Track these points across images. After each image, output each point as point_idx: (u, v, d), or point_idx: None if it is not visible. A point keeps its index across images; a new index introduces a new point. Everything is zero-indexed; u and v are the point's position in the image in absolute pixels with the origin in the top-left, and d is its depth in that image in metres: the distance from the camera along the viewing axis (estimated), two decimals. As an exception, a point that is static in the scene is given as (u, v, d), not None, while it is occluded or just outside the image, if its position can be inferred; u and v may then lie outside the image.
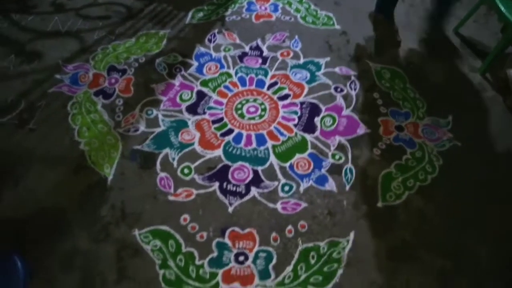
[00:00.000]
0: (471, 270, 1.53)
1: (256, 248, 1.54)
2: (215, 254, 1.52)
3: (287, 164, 1.75)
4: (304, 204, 1.65)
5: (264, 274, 1.48)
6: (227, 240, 1.55)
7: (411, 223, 1.62)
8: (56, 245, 1.54)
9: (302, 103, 1.95)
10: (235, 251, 1.53)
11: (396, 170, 1.75)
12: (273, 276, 1.48)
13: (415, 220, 1.63)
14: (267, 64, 2.10)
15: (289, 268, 1.50)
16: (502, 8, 1.93)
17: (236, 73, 2.06)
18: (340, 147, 1.81)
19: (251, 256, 1.52)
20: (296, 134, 1.85)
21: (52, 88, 2.00)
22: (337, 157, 1.78)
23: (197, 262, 1.50)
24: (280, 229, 1.59)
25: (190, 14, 2.39)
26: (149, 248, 1.53)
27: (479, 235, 1.60)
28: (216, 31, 2.28)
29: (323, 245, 1.55)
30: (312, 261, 1.51)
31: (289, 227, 1.59)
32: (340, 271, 1.50)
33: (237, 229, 1.58)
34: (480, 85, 2.09)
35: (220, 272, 1.48)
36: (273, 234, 1.57)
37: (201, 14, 2.38)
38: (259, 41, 2.21)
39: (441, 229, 1.62)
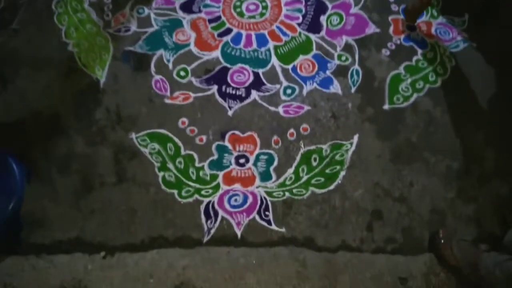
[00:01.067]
0: (476, 172, 1.50)
1: (257, 151, 1.50)
2: (215, 156, 1.48)
3: (289, 66, 1.65)
4: (307, 107, 1.58)
5: (265, 176, 1.46)
6: (227, 143, 1.50)
7: (418, 126, 1.57)
8: (52, 149, 1.50)
9: (307, 0, 1.79)
10: (235, 153, 1.49)
11: (406, 72, 1.65)
12: (274, 177, 1.46)
13: (422, 122, 1.57)
14: (269, -44, 1.89)
15: (291, 170, 1.47)
16: None
17: (234, -33, 1.86)
18: (347, 48, 1.69)
19: (252, 158, 1.48)
20: (300, 34, 1.71)
21: (33, -16, 1.82)
22: (343, 58, 1.67)
23: (197, 165, 1.47)
24: (281, 132, 1.53)
25: None
26: (147, 151, 1.49)
27: (487, 138, 1.55)
28: None
29: (326, 147, 1.51)
30: (314, 163, 1.48)
31: (291, 130, 1.53)
32: (342, 173, 1.48)
33: (237, 132, 1.52)
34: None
35: (221, 174, 1.46)
36: (275, 137, 1.52)
37: None
38: None
39: (448, 132, 1.56)
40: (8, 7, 1.77)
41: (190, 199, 1.42)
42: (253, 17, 1.74)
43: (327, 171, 1.47)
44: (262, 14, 1.75)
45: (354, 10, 1.77)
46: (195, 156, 1.48)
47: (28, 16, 1.75)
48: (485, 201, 1.47)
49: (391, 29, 1.74)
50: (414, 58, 1.68)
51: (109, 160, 1.48)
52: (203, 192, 1.43)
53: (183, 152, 1.49)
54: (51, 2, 1.77)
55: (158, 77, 1.61)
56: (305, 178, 1.46)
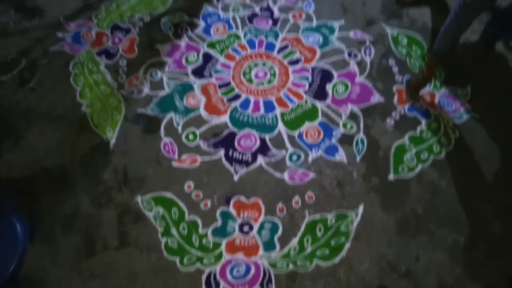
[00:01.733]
0: (485, 245, 1.48)
1: (261, 218, 1.49)
2: (219, 223, 1.48)
3: (296, 133, 1.68)
4: (312, 175, 1.59)
5: (269, 245, 1.44)
6: (231, 209, 1.50)
7: (424, 197, 1.56)
8: (58, 207, 1.51)
9: (313, 69, 1.85)
10: (239, 220, 1.49)
11: (410, 142, 1.67)
12: (278, 247, 1.44)
13: (428, 194, 1.57)
14: (278, 26, 1.99)
15: (295, 240, 1.46)
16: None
17: (245, 35, 1.95)
18: (352, 116, 1.73)
19: (256, 226, 1.48)
20: (306, 101, 1.76)
21: (53, 46, 1.92)
22: (348, 126, 1.70)
23: (201, 231, 1.46)
24: (286, 199, 1.53)
25: (198, -29, 2.25)
26: (151, 215, 1.49)
27: (494, 209, 1.54)
28: (225, -11, 2.15)
29: (331, 217, 1.50)
30: (319, 234, 1.47)
31: (296, 197, 1.54)
32: (348, 245, 1.46)
33: (242, 198, 1.53)
34: (501, 55, 1.97)
35: (224, 241, 1.45)
36: (279, 205, 1.52)
37: (209, -29, 2.25)
38: (270, 2, 2.08)
39: (454, 203, 1.55)
40: (28, 66, 1.86)
41: (192, 268, 1.40)
42: (262, 83, 1.80)
43: (332, 242, 1.45)
44: (270, 81, 1.81)
45: (359, 79, 1.83)
46: (199, 222, 1.48)
47: (45, 76, 1.82)
48: (493, 278, 1.44)
49: (395, 99, 1.78)
50: (418, 128, 1.71)
51: (113, 222, 1.48)
52: (205, 261, 1.41)
53: (187, 217, 1.48)
54: (68, 63, 1.85)
55: (167, 139, 1.65)
56: (309, 249, 1.44)
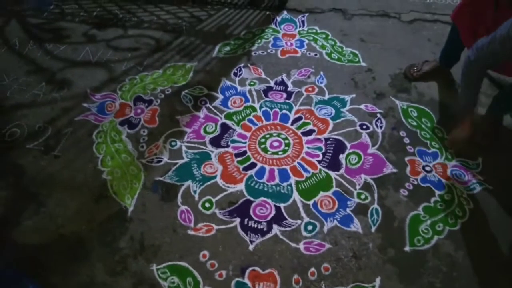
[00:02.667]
0: (507, 325, 1.43)
1: (277, 290, 1.47)
2: (234, 294, 1.46)
3: (310, 202, 1.70)
4: (328, 245, 1.59)
5: (285, 319, 1.41)
6: (246, 280, 1.49)
7: (441, 270, 1.54)
8: (72, 275, 1.51)
9: (326, 139, 1.92)
10: (255, 292, 1.47)
11: (425, 213, 1.68)
12: (294, 321, 1.41)
13: (444, 266, 1.55)
14: (292, 99, 2.10)
15: (312, 314, 1.43)
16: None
17: (260, 107, 2.05)
18: (366, 186, 1.76)
19: (271, 298, 1.46)
20: (320, 170, 1.81)
21: (79, 116, 2.03)
22: (362, 196, 1.72)
23: (216, 302, 1.44)
24: (302, 271, 1.52)
25: (217, 48, 2.42)
26: (166, 284, 1.48)
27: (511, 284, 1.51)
28: (242, 65, 2.30)
29: (348, 289, 1.48)
30: (336, 307, 1.44)
31: (312, 269, 1.53)
32: (366, 320, 1.42)
33: (257, 268, 1.52)
34: (511, 125, 2.03)
35: (239, 314, 1.42)
36: (295, 276, 1.51)
37: (227, 48, 2.42)
38: (284, 76, 2.21)
39: (472, 277, 1.52)
40: (53, 135, 1.95)
41: None
42: (276, 153, 1.87)
43: (350, 316, 1.42)
44: (284, 151, 1.87)
45: (371, 150, 1.89)
46: (214, 292, 1.46)
47: (70, 144, 1.91)
48: None
49: (408, 169, 1.82)
50: (432, 199, 1.72)
51: (128, 292, 1.47)
52: (220, 335, 1.38)
53: (202, 287, 1.47)
54: (92, 132, 1.95)
55: (184, 207, 1.68)
56: (326, 323, 1.40)
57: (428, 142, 1.93)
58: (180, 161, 1.84)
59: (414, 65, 2.22)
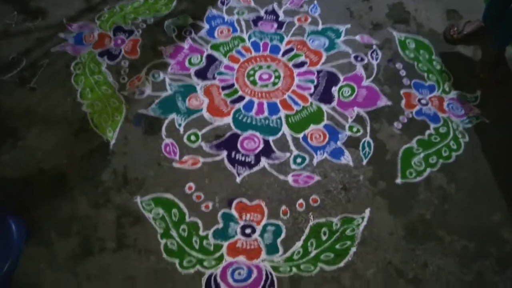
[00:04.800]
0: (495, 254, 1.42)
1: (264, 221, 1.44)
2: (220, 225, 1.43)
3: (300, 135, 1.64)
4: (317, 178, 1.54)
5: (272, 249, 1.39)
6: (233, 212, 1.46)
7: (432, 202, 1.51)
8: (55, 209, 1.47)
9: (319, 72, 1.82)
10: (241, 223, 1.44)
11: (418, 146, 1.63)
12: (281, 251, 1.39)
13: (436, 199, 1.52)
14: (283, 29, 1.97)
15: (299, 244, 1.40)
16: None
17: (249, 38, 1.93)
18: (359, 120, 1.69)
19: (258, 229, 1.43)
20: (311, 104, 1.72)
21: (55, 47, 1.90)
22: (354, 129, 1.66)
23: (201, 233, 1.41)
24: (290, 203, 1.49)
25: (203, -26, 2.24)
26: (151, 216, 1.44)
27: (504, 217, 1.49)
28: (230, -7, 2.14)
29: (336, 221, 1.45)
30: (324, 238, 1.42)
31: (300, 200, 1.49)
32: (353, 249, 1.40)
33: (244, 200, 1.48)
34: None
35: (225, 244, 1.40)
36: (283, 207, 1.47)
37: (214, -24, 2.24)
38: (275, 5, 2.06)
39: (464, 210, 1.50)
40: (28, 66, 1.83)
41: (192, 270, 1.35)
42: (266, 86, 1.77)
43: (337, 246, 1.40)
44: (274, 83, 1.78)
45: (365, 82, 1.80)
46: (200, 223, 1.43)
47: (46, 76, 1.80)
48: (505, 286, 1.37)
49: (403, 102, 1.74)
50: (427, 133, 1.66)
51: (111, 224, 1.44)
52: (205, 263, 1.36)
53: (187, 219, 1.44)
54: (70, 64, 1.83)
55: (168, 140, 1.61)
56: (313, 253, 1.38)
57: (425, 74, 1.84)
58: (164, 94, 1.74)
59: (455, 25, 1.96)
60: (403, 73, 1.84)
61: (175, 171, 1.55)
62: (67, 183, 1.53)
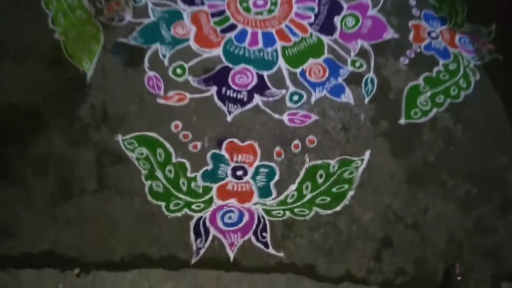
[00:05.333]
0: (498, 199, 1.36)
1: (256, 163, 1.34)
2: (209, 166, 1.33)
3: (298, 70, 1.49)
4: (314, 117, 1.42)
5: (265, 192, 1.31)
6: (224, 152, 1.35)
7: (437, 144, 1.42)
8: (29, 147, 1.34)
9: (320, -2, 1.63)
10: (232, 164, 1.34)
11: (425, 84, 1.50)
12: (274, 194, 1.31)
13: (441, 141, 1.42)
14: None
15: (293, 187, 1.32)
16: None
17: (243, -42, 1.70)
18: (362, 53, 1.53)
19: (250, 171, 1.33)
20: (311, 34, 1.55)
21: (20, -36, 1.66)
22: (357, 64, 1.51)
23: (189, 175, 1.31)
24: (285, 143, 1.38)
25: None
26: (134, 156, 1.33)
27: (510, 161, 1.41)
28: None
29: (334, 163, 1.36)
30: (320, 180, 1.33)
31: (296, 141, 1.38)
32: (351, 193, 1.32)
33: (236, 140, 1.37)
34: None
35: (215, 186, 1.30)
36: (277, 148, 1.37)
37: None
38: None
39: (469, 153, 1.41)
40: (-9, -13, 1.61)
41: (179, 214, 1.27)
42: (261, 13, 1.58)
43: (334, 189, 1.32)
44: (270, 11, 1.59)
45: (371, 12, 1.61)
46: (187, 164, 1.33)
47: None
48: (506, 233, 1.32)
49: (411, 35, 1.58)
50: (435, 69, 1.53)
51: (91, 164, 1.32)
52: (193, 207, 1.27)
53: (174, 159, 1.33)
54: (39, -17, 1.61)
55: (151, 73, 1.45)
56: (308, 196, 1.30)
57: (437, 4, 1.65)
58: (146, 21, 1.55)
59: None
60: (413, 2, 1.65)
61: (159, 107, 1.41)
62: (41, 118, 1.39)
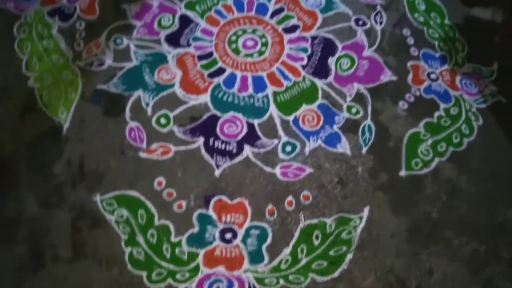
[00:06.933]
0: (508, 258, 1.26)
1: (247, 224, 1.24)
2: (196, 229, 1.22)
3: (290, 117, 1.39)
4: (309, 169, 1.32)
5: (256, 257, 1.20)
6: (211, 212, 1.24)
7: (440, 198, 1.32)
8: (-4, 209, 1.23)
9: (313, 38, 1.54)
10: (221, 226, 1.23)
11: (426, 130, 1.41)
12: (266, 259, 1.20)
13: (444, 194, 1.33)
14: (272, -16, 1.65)
15: (287, 250, 1.21)
16: None
17: (231, -6, 1.61)
18: (358, 98, 1.44)
19: (240, 233, 1.22)
20: (304, 78, 1.46)
21: (-7, 3, 1.56)
22: (353, 110, 1.42)
23: (173, 239, 1.20)
24: (278, 200, 1.28)
25: None
26: (113, 218, 1.22)
27: (520, 215, 1.32)
28: None
29: (330, 222, 1.25)
30: (316, 242, 1.23)
31: (289, 197, 1.28)
32: (349, 256, 1.22)
33: (224, 198, 1.26)
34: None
35: (202, 252, 1.19)
36: (269, 206, 1.26)
37: None
38: (263, -47, 1.73)
39: (475, 207, 1.32)
40: (-39, 28, 1.51)
41: (162, 284, 1.15)
42: (250, 55, 1.49)
43: (331, 252, 1.21)
44: (261, 52, 1.50)
45: (367, 52, 1.53)
46: (171, 227, 1.22)
47: (-17, 41, 1.48)
48: (518, 295, 1.23)
49: (409, 77, 1.50)
50: (436, 114, 1.44)
51: (66, 228, 1.21)
52: (178, 276, 1.16)
53: (157, 221, 1.22)
54: (13, 25, 1.51)
55: (133, 124, 1.35)
56: (304, 261, 1.20)
57: (436, 43, 1.58)
58: (128, 65, 1.45)
59: None
60: (411, 40, 1.58)
61: (141, 161, 1.30)
62: (11, 174, 1.28)
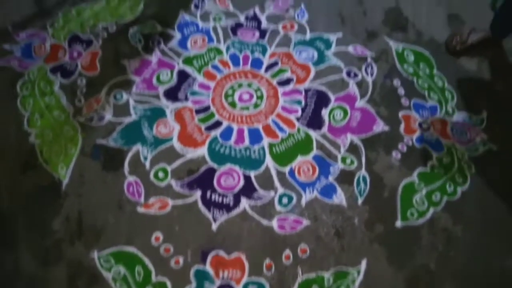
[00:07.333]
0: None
1: (244, 279, 1.23)
2: (193, 285, 1.21)
3: (286, 169, 1.42)
4: (306, 222, 1.33)
5: (254, 315, 1.19)
6: (208, 268, 1.24)
7: (437, 248, 1.32)
8: (-7, 267, 1.23)
9: (307, 91, 1.59)
10: (218, 282, 1.22)
11: (420, 180, 1.43)
12: (264, 317, 1.19)
13: (441, 244, 1.33)
14: (266, 38, 1.72)
15: (285, 307, 1.20)
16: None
17: (227, 49, 1.68)
18: (352, 149, 1.48)
19: (238, 289, 1.22)
20: (298, 130, 1.50)
21: (-2, 61, 1.62)
22: (348, 161, 1.45)
23: (170, 297, 1.20)
24: (275, 254, 1.28)
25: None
26: (110, 276, 1.21)
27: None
28: (205, -6, 1.87)
29: (328, 275, 1.25)
30: (314, 298, 1.22)
31: (287, 251, 1.28)
32: (348, 311, 1.21)
33: (222, 253, 1.27)
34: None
35: (199, 310, 1.19)
36: (267, 261, 1.26)
37: (187, -27, 1.96)
38: (257, 10, 1.81)
39: (471, 255, 1.32)
40: (-34, 85, 1.55)
41: None
42: (246, 108, 1.54)
43: (330, 308, 1.20)
44: (256, 105, 1.55)
45: (359, 103, 1.58)
46: (169, 284, 1.21)
47: (-13, 98, 1.53)
48: None
49: (401, 127, 1.54)
50: (429, 163, 1.47)
51: (63, 286, 1.20)
52: (175, 337, 1.15)
53: (154, 278, 1.22)
54: (16, 82, 1.55)
55: (131, 178, 1.37)
56: (302, 317, 1.19)
57: (426, 92, 1.63)
58: (127, 119, 1.49)
59: (458, 34, 1.73)
60: (401, 91, 1.63)
61: (139, 216, 1.31)
62: (9, 231, 1.28)
